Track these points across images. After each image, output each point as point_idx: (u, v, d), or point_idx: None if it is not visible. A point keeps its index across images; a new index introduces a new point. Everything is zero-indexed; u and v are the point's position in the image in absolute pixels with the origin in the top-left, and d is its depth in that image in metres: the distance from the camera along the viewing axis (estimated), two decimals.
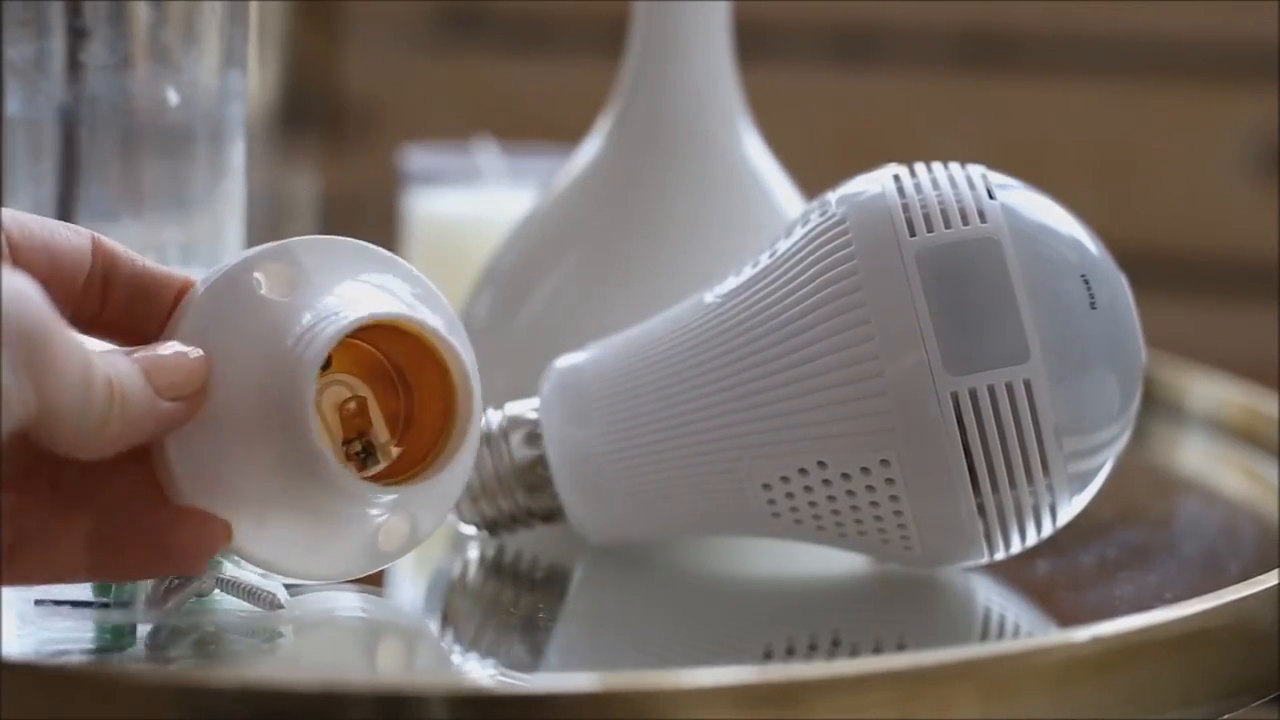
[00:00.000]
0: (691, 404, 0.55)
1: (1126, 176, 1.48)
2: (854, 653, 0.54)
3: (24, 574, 0.49)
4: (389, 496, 0.50)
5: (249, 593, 0.51)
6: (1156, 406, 0.79)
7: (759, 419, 0.54)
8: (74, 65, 0.59)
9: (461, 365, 0.50)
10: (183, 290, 0.50)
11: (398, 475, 0.50)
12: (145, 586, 0.51)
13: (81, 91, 0.59)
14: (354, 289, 0.50)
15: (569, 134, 0.74)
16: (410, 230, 0.92)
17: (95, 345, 0.47)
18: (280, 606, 0.51)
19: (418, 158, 0.93)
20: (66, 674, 0.44)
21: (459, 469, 0.51)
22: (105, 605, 0.51)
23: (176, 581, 0.51)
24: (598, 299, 0.64)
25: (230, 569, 0.52)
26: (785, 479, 0.55)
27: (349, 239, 0.51)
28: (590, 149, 0.67)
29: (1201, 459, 0.78)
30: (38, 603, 0.50)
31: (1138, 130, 1.49)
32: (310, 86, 1.63)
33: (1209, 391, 0.80)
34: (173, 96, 0.61)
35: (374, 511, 0.50)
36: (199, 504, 0.49)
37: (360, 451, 0.50)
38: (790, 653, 0.54)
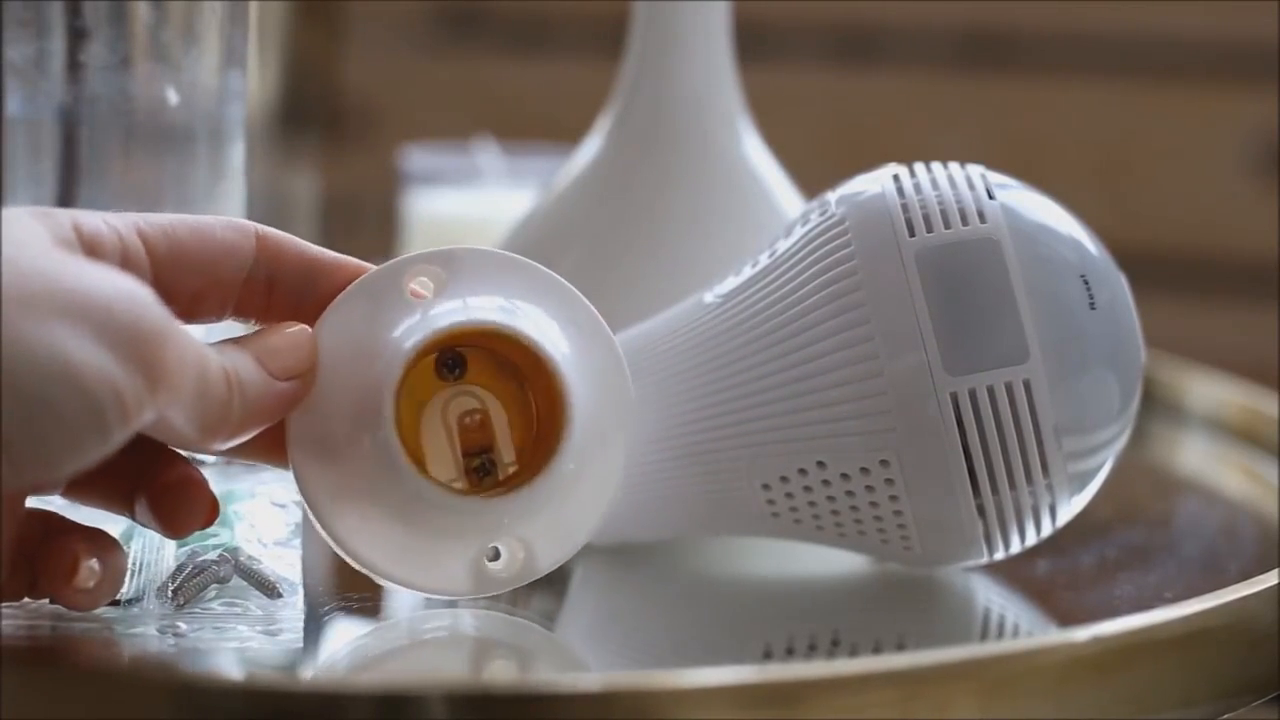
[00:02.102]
0: (691, 404, 0.55)
1: (1126, 176, 1.48)
2: (854, 653, 0.54)
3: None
4: (478, 509, 0.49)
5: (259, 581, 0.52)
6: (1156, 406, 0.79)
7: (758, 419, 0.54)
8: (74, 65, 0.59)
9: (563, 385, 0.49)
10: (354, 275, 0.50)
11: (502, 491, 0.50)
12: (154, 583, 0.51)
13: (81, 91, 0.59)
14: (494, 302, 0.50)
15: (569, 134, 0.74)
16: (410, 230, 0.92)
17: (206, 335, 0.48)
18: (279, 595, 0.52)
19: (418, 158, 0.93)
20: (66, 674, 0.44)
21: (568, 494, 0.50)
22: (115, 603, 0.51)
23: (194, 570, 0.51)
24: (598, 299, 0.64)
25: (245, 557, 0.52)
26: (785, 479, 0.55)
27: (518, 258, 0.51)
28: (590, 149, 0.67)
29: (1201, 459, 0.78)
30: (52, 600, 0.50)
31: (1138, 130, 1.49)
32: (310, 86, 1.63)
33: (1209, 391, 0.80)
34: (173, 96, 0.61)
35: (474, 527, 0.50)
36: (314, 498, 0.49)
37: (479, 467, 0.49)
38: (790, 653, 0.54)
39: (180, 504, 0.49)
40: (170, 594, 0.51)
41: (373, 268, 0.50)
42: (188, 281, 0.48)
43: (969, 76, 1.51)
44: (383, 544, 0.49)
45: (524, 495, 0.49)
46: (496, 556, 0.50)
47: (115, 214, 0.47)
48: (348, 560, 0.50)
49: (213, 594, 0.52)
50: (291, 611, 0.52)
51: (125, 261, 0.47)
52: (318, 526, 0.49)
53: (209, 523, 0.49)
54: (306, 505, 0.49)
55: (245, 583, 0.52)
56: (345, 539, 0.49)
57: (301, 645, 0.51)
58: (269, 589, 0.52)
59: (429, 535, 0.50)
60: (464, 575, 0.50)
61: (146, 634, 0.50)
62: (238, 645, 0.50)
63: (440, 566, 0.50)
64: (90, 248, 0.46)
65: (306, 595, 0.52)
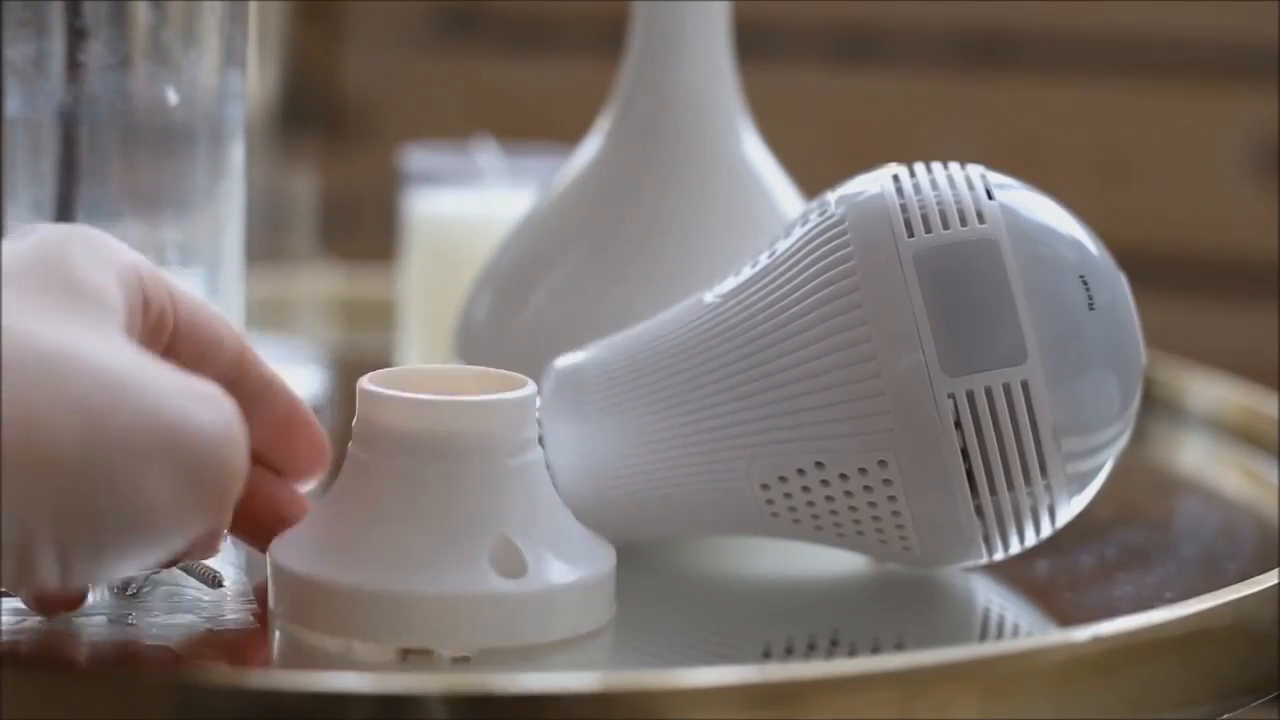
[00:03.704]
0: (691, 404, 0.55)
1: (1126, 176, 1.48)
2: (854, 653, 0.54)
3: None
4: None
5: (200, 573, 0.53)
6: (1156, 406, 0.79)
7: (757, 419, 0.54)
8: (74, 65, 0.59)
9: None
10: (311, 443, 0.52)
11: None
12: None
13: (81, 91, 0.59)
14: None
15: (569, 134, 0.74)
16: (410, 230, 0.92)
17: None
18: (221, 585, 0.53)
19: (418, 158, 0.93)
20: (66, 674, 0.44)
21: None
22: None
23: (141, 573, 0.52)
24: (598, 299, 0.64)
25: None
26: (783, 479, 0.55)
27: None
28: (590, 149, 0.67)
29: (1201, 459, 0.78)
30: (2, 594, 0.51)
31: (1138, 130, 1.49)
32: (310, 86, 1.63)
33: (1209, 391, 0.80)
34: (173, 96, 0.60)
35: None
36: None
37: None
38: (790, 653, 0.54)
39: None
40: (119, 587, 0.52)
41: (326, 458, 0.52)
42: (181, 360, 0.48)
43: (969, 76, 1.51)
44: None
45: None
46: None
47: (151, 271, 0.47)
48: None
49: (162, 586, 0.53)
50: (239, 600, 0.53)
51: (168, 344, 0.47)
52: None
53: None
54: None
55: (189, 575, 0.53)
56: None
57: (251, 632, 0.51)
58: (210, 580, 0.53)
59: None
60: None
61: (100, 627, 0.50)
62: (187, 632, 0.50)
63: None
64: (155, 328, 0.46)
65: (253, 583, 0.53)
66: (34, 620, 0.50)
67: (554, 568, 0.50)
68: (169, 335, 0.48)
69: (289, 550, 0.50)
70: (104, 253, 0.45)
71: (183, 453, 0.42)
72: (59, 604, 0.50)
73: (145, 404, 0.42)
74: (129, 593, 0.52)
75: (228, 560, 0.54)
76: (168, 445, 0.42)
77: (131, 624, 0.51)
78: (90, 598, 0.51)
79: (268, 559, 0.50)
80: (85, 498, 0.41)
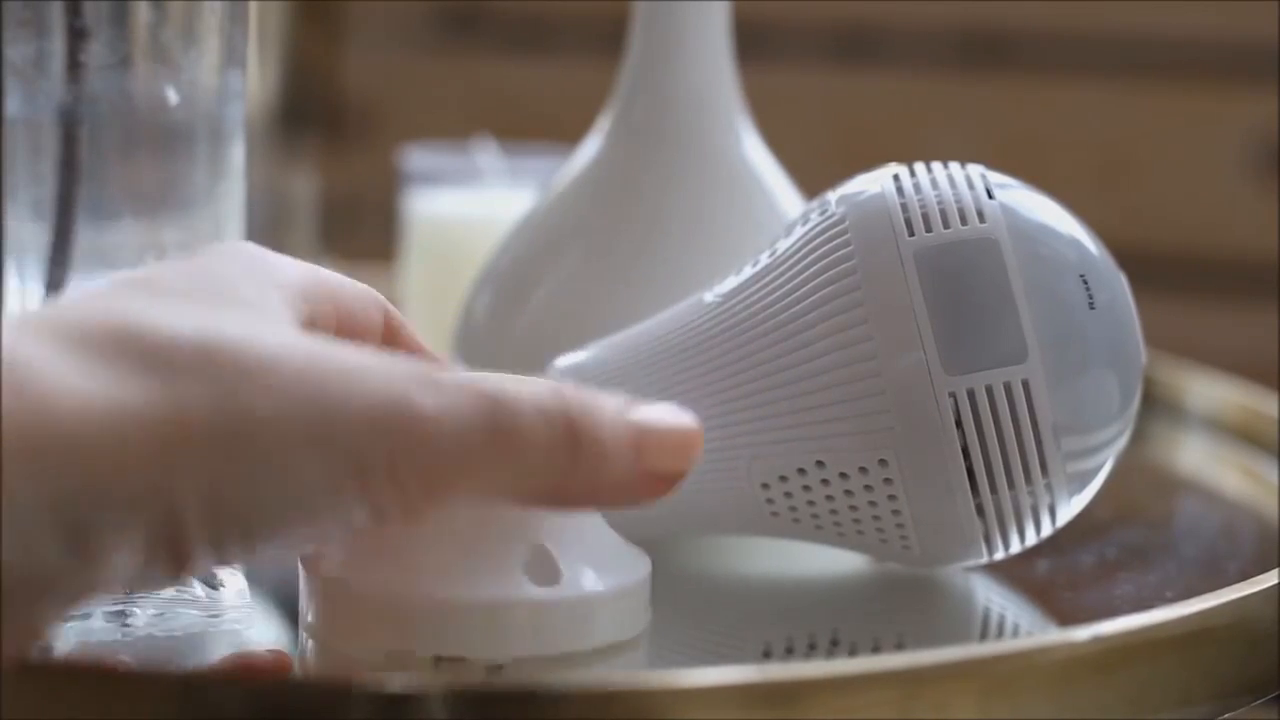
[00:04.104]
0: (690, 403, 0.55)
1: (1126, 176, 1.49)
2: (854, 653, 0.54)
3: None
4: None
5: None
6: (1156, 406, 0.79)
7: (758, 418, 0.54)
8: (74, 65, 0.59)
9: None
10: None
11: None
12: None
13: (81, 91, 0.59)
14: None
15: (569, 134, 0.74)
16: (410, 230, 0.92)
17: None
18: (221, 585, 0.52)
19: (418, 158, 0.93)
20: (66, 674, 0.44)
21: None
22: None
23: None
24: (598, 299, 0.64)
25: None
26: (784, 478, 0.55)
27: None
28: (590, 149, 0.67)
29: (1201, 459, 0.78)
30: None
31: (1138, 130, 1.49)
32: (310, 86, 1.63)
33: (1209, 391, 0.80)
34: (173, 96, 0.60)
35: None
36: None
37: None
38: (790, 653, 0.54)
39: None
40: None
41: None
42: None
43: (969, 76, 1.51)
44: None
45: None
46: None
47: (314, 284, 0.44)
48: None
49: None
50: (236, 597, 0.52)
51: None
52: None
53: None
54: None
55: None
56: None
57: (247, 630, 0.51)
58: (208, 578, 0.53)
59: None
60: None
61: (94, 623, 0.50)
62: (186, 631, 0.50)
63: None
64: (310, 320, 0.44)
65: (251, 581, 0.53)
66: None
67: (588, 575, 0.49)
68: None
69: (321, 557, 0.49)
70: (261, 265, 0.43)
71: (340, 428, 0.39)
72: None
73: (297, 377, 0.39)
74: (124, 590, 0.52)
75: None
76: (321, 421, 0.39)
77: (129, 624, 0.51)
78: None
79: (299, 566, 0.50)
80: (235, 485, 0.39)
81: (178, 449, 0.38)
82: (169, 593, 0.52)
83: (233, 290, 0.42)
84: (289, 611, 0.54)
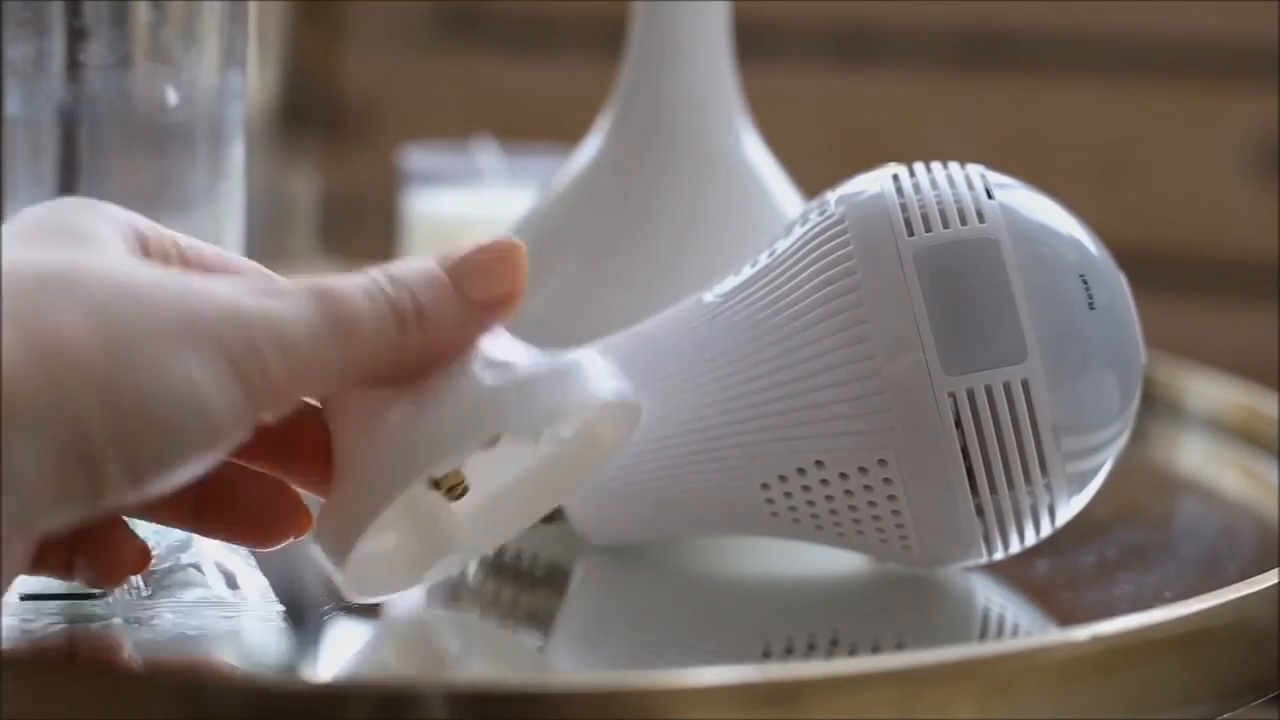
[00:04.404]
0: (690, 403, 0.55)
1: (1126, 176, 1.49)
2: (853, 652, 0.54)
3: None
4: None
5: (221, 571, 0.52)
6: (1156, 406, 0.79)
7: (757, 418, 0.54)
8: (74, 65, 0.59)
9: None
10: None
11: None
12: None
13: (81, 91, 0.59)
14: None
15: (569, 134, 0.74)
16: (410, 230, 0.92)
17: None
18: (237, 586, 0.52)
19: (418, 158, 0.93)
20: (66, 674, 0.44)
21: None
22: (89, 596, 0.51)
23: (159, 566, 0.52)
24: (597, 299, 0.64)
25: (207, 546, 0.52)
26: (783, 478, 0.55)
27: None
28: (590, 149, 0.67)
29: (1201, 459, 0.78)
30: (23, 598, 0.50)
31: (1138, 130, 1.49)
32: (310, 86, 1.63)
33: (1209, 391, 0.80)
34: (173, 96, 0.60)
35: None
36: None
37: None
38: (790, 652, 0.54)
39: (274, 514, 0.49)
40: (139, 583, 0.52)
41: None
42: None
43: (969, 76, 1.51)
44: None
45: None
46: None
47: (150, 223, 0.47)
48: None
49: (179, 584, 0.52)
50: (258, 597, 0.52)
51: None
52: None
53: (303, 531, 0.50)
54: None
55: (207, 574, 0.52)
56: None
57: (268, 631, 0.51)
58: (228, 580, 0.52)
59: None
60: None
61: (116, 624, 0.50)
62: (209, 631, 0.50)
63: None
64: (146, 251, 0.46)
65: (306, 599, 0.52)
66: (38, 621, 0.50)
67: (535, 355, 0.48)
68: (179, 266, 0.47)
69: None
70: (99, 209, 0.46)
71: (205, 323, 0.42)
72: (123, 568, 0.49)
73: (157, 291, 0.43)
74: (147, 593, 0.52)
75: (245, 560, 0.54)
76: (186, 319, 0.42)
77: (154, 624, 0.50)
78: (105, 595, 0.51)
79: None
80: (125, 393, 0.41)
81: (67, 371, 0.41)
82: (192, 595, 0.52)
83: (85, 232, 0.44)
84: (312, 613, 0.54)
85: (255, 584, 0.53)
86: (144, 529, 0.51)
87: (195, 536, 0.53)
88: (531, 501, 0.52)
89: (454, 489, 0.50)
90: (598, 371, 0.48)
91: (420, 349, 0.46)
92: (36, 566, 0.49)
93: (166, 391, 0.42)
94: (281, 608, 0.52)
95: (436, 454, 0.46)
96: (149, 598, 0.52)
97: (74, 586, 0.51)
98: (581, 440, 0.52)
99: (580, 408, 0.49)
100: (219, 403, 0.42)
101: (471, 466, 0.50)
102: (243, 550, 0.54)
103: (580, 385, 0.47)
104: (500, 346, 0.48)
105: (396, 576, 0.51)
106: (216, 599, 0.52)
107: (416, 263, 0.47)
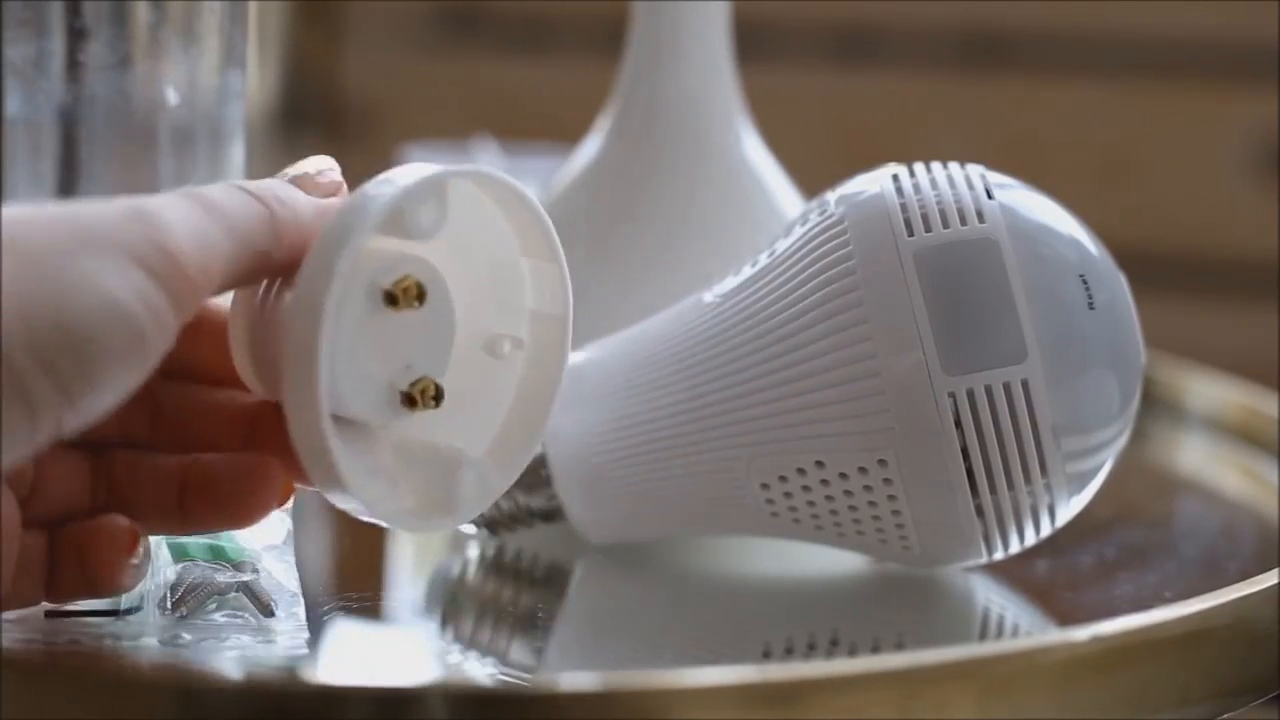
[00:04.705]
0: (690, 403, 0.55)
1: (1126, 176, 1.48)
2: (853, 653, 0.54)
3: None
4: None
5: (254, 598, 0.51)
6: (1156, 406, 0.79)
7: (757, 418, 0.54)
8: (74, 65, 0.59)
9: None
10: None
11: None
12: (155, 594, 0.51)
13: (81, 91, 0.59)
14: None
15: (569, 134, 0.74)
16: None
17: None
18: (273, 614, 0.51)
19: (418, 158, 0.93)
20: (66, 674, 0.44)
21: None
22: (115, 613, 0.50)
23: (196, 581, 0.51)
24: (598, 299, 0.64)
25: (249, 571, 0.52)
26: (783, 479, 0.55)
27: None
28: (590, 149, 0.67)
29: (1201, 459, 0.78)
30: (48, 614, 0.50)
31: (1138, 130, 1.48)
32: (310, 86, 1.63)
33: (1209, 391, 0.80)
34: (173, 96, 0.61)
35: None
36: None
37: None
38: (790, 653, 0.54)
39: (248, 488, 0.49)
40: (171, 605, 0.51)
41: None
42: None
43: (969, 76, 1.51)
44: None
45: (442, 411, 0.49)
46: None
47: None
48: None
49: (213, 605, 0.52)
50: (292, 623, 0.51)
51: None
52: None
53: (286, 499, 0.49)
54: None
55: (244, 597, 0.52)
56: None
57: (303, 655, 0.50)
58: (263, 607, 0.51)
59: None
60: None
61: (148, 644, 0.50)
62: (239, 655, 0.50)
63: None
64: None
65: (306, 599, 0.52)
66: (33, 633, 0.50)
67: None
68: None
69: None
70: None
71: (105, 230, 0.43)
72: (117, 553, 0.49)
73: (50, 212, 0.43)
74: (180, 614, 0.51)
75: (287, 583, 0.53)
76: (85, 230, 0.43)
77: (182, 644, 0.50)
78: (136, 612, 0.51)
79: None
80: (40, 311, 0.41)
81: None
82: (222, 617, 0.51)
83: None
84: (342, 636, 0.54)
85: (290, 610, 0.52)
86: (183, 545, 0.51)
87: (228, 548, 0.53)
88: (533, 415, 0.51)
89: (426, 392, 0.49)
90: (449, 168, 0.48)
91: (290, 226, 0.47)
92: (60, 589, 0.49)
93: (80, 301, 0.42)
94: (309, 636, 0.51)
95: (324, 280, 0.45)
96: (180, 618, 0.51)
97: (101, 603, 0.50)
98: (538, 335, 0.51)
99: (434, 181, 0.47)
100: (134, 305, 0.43)
101: (461, 414, 0.50)
102: (288, 568, 0.53)
103: (426, 171, 0.47)
104: None
105: (430, 519, 0.50)
106: (245, 624, 0.51)
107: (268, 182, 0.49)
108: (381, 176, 0.48)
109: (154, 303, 0.43)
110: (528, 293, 0.50)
